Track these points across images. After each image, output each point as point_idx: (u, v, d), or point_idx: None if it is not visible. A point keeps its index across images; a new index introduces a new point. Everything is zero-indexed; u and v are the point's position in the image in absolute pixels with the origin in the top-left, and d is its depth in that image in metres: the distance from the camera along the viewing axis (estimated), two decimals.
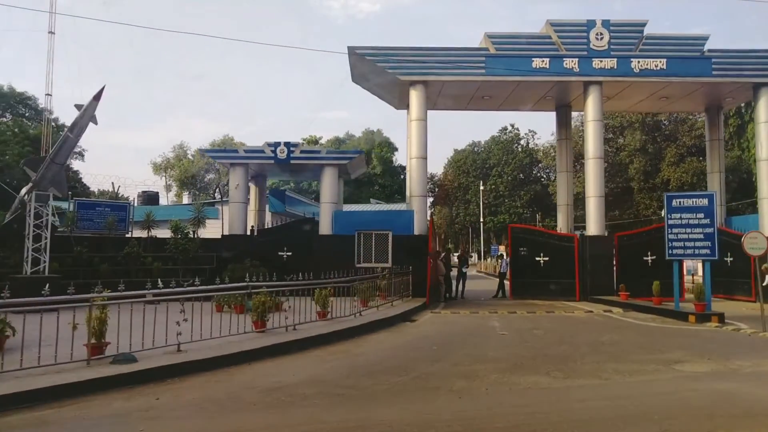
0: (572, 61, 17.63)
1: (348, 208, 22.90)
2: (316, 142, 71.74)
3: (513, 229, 19.20)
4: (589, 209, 17.93)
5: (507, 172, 65.51)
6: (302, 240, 17.19)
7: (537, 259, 18.31)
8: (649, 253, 17.70)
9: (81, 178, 55.46)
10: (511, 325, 11.80)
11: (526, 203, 65.18)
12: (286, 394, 5.87)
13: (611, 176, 58.40)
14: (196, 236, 16.90)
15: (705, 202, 12.54)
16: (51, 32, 24.88)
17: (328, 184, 17.60)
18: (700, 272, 21.52)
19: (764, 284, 16.11)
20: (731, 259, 18.41)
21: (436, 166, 76.47)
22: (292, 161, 17.49)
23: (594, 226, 17.72)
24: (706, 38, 17.79)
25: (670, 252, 12.77)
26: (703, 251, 12.46)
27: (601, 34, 17.66)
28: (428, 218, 17.17)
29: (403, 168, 77.00)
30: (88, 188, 59.80)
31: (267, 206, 21.74)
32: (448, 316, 13.54)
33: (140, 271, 15.30)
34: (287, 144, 17.40)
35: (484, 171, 67.96)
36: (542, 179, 66.51)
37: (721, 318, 11.79)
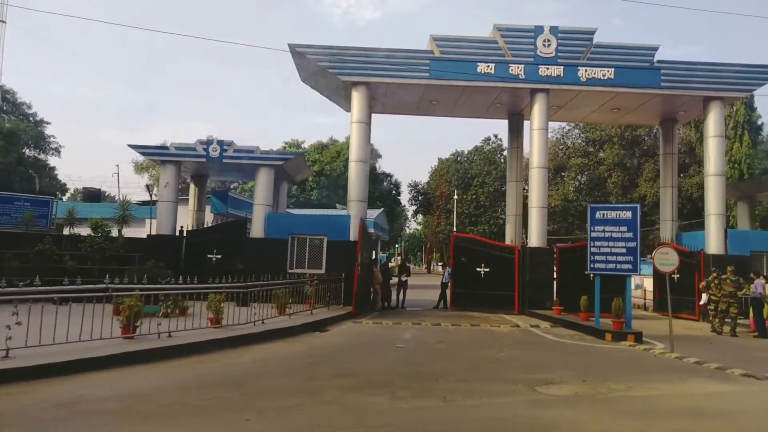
0: (518, 68, 17.18)
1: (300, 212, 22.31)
2: (298, 146, 71.18)
3: (456, 239, 18.64)
4: (532, 220, 17.41)
5: (488, 183, 65.23)
6: (233, 243, 16.55)
7: (478, 270, 17.76)
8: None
9: (56, 174, 54.58)
10: (421, 337, 11.21)
11: (501, 215, 64.85)
12: (75, 410, 5.23)
13: (590, 189, 58.27)
14: (120, 235, 16.22)
15: (629, 214, 12.03)
16: (2, 21, 24.25)
17: (263, 185, 16.99)
18: (649, 286, 21.13)
19: (701, 303, 15.68)
20: (678, 275, 17.96)
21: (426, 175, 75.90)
22: (224, 160, 16.87)
23: (536, 237, 17.20)
24: (655, 48, 17.40)
25: (591, 266, 12.24)
26: (625, 266, 11.94)
27: (549, 40, 17.24)
28: (362, 224, 16.55)
29: (387, 175, 76.72)
30: (65, 185, 58.86)
31: (210, 208, 21.09)
32: (366, 327, 12.92)
33: (54, 269, 14.57)
34: (220, 142, 16.80)
35: (466, 181, 67.69)
36: (525, 190, 66.03)
37: (638, 337, 11.26)
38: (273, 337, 10.55)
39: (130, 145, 16.94)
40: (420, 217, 78.48)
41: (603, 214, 12.24)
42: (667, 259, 10.29)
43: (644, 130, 51.70)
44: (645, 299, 21.27)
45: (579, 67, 17.20)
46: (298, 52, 17.01)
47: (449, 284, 18.35)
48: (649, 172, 50.05)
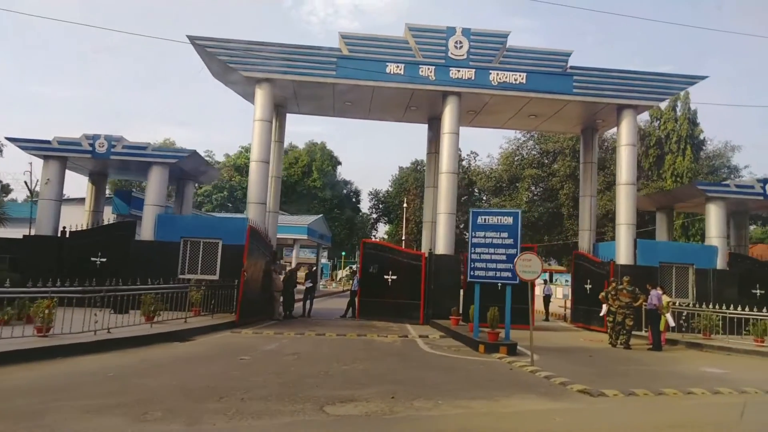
0: (428, 69, 16.66)
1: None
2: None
3: (365, 245, 17.92)
4: (439, 226, 16.86)
5: None
6: (120, 245, 15.44)
7: (386, 277, 17.06)
8: None
9: None
10: (281, 349, 10.39)
11: (460, 223, 64.71)
12: None
13: (542, 201, 58.47)
14: None
15: (510, 220, 11.48)
16: None
17: (155, 185, 15.96)
18: (561, 295, 20.82)
19: (601, 314, 15.27)
20: (590, 286, 17.63)
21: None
22: (112, 156, 15.79)
23: (443, 244, 16.61)
24: (568, 54, 17.13)
25: (471, 274, 11.63)
26: (505, 274, 11.37)
27: (461, 42, 16.78)
28: (259, 227, 15.66)
29: (347, 182, 75.80)
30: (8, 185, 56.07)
31: (111, 208, 19.89)
32: (239, 338, 11.98)
33: None
34: (108, 137, 15.72)
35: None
36: (483, 200, 66.40)
37: (511, 349, 10.67)
38: (113, 347, 9.56)
39: (8, 138, 15.73)
40: (386, 226, 77.66)
41: (484, 219, 11.66)
42: (529, 267, 9.73)
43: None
44: (566, 310, 20.93)
45: (491, 71, 16.79)
46: (199, 46, 16.13)
47: (357, 292, 17.58)
48: (599, 185, 50.58)
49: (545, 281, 27.90)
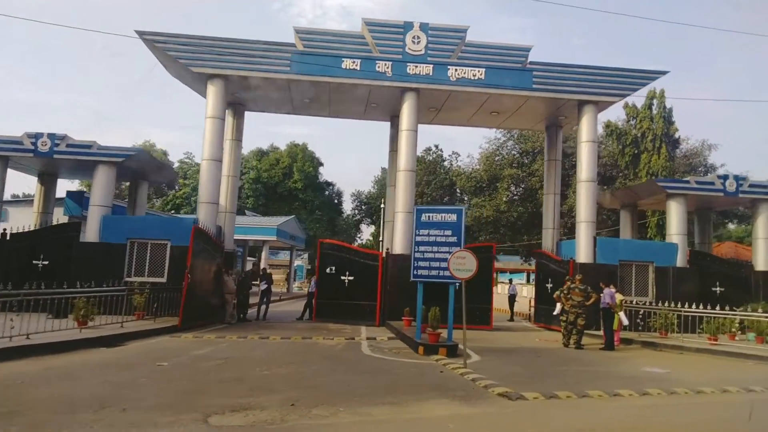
0: (385, 65, 16.31)
1: None
2: None
3: (322, 245, 17.50)
4: (397, 224, 16.50)
5: (427, 193, 64.82)
6: (63, 247, 14.90)
7: (343, 278, 16.67)
8: None
9: None
10: (211, 354, 9.95)
11: None
12: None
13: (522, 201, 58.34)
14: None
15: (454, 217, 11.15)
16: None
17: (101, 184, 15.43)
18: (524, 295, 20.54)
19: (555, 313, 15.00)
20: (551, 285, 17.37)
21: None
22: (56, 155, 15.24)
23: (400, 243, 16.25)
24: (528, 49, 16.86)
25: (414, 273, 11.27)
26: (448, 273, 10.97)
27: (418, 37, 16.45)
28: (208, 228, 15.19)
29: (329, 184, 75.41)
30: None
31: (63, 209, 19.29)
32: (174, 342, 11.49)
33: None
34: (51, 136, 15.16)
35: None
36: (464, 200, 66.37)
37: (451, 350, 10.33)
38: (29, 353, 9.05)
39: None
40: (371, 227, 77.08)
41: (428, 216, 11.31)
42: (463, 265, 9.38)
43: (572, 142, 52.41)
44: (530, 309, 20.68)
45: (449, 66, 16.47)
46: (147, 41, 15.64)
47: (314, 294, 17.16)
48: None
49: (510, 281, 27.70)
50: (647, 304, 15.64)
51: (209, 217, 15.69)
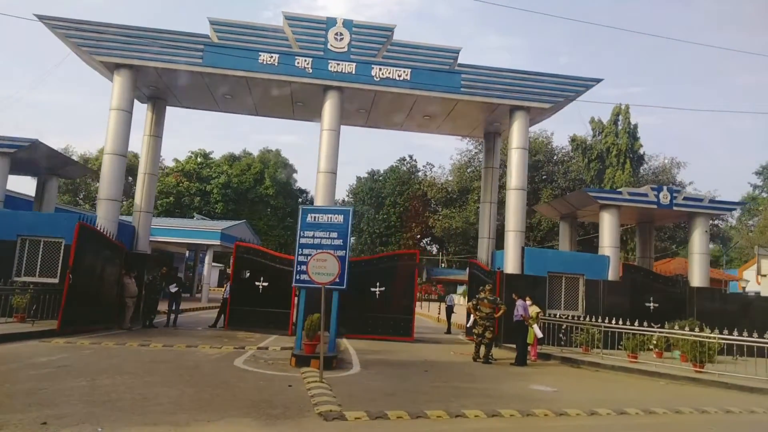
0: (305, 61, 15.52)
1: None
2: (206, 155, 67.89)
3: (237, 248, 16.51)
4: None
5: (400, 203, 64.19)
6: None
7: (257, 283, 15.69)
8: (378, 284, 15.54)
9: None
10: (59, 362, 8.91)
11: (417, 235, 64.03)
12: None
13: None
14: None
15: (340, 219, 10.31)
16: None
17: None
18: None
19: (468, 325, 14.19)
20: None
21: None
22: None
23: None
24: (456, 51, 16.21)
25: (297, 278, 10.36)
26: (332, 279, 10.10)
27: (342, 34, 15.72)
28: (99, 226, 14.15)
29: (302, 191, 74.36)
30: None
31: None
32: (34, 347, 10.38)
33: None
34: None
35: (379, 200, 66.47)
36: (438, 212, 66.02)
37: (326, 362, 9.35)
38: None
39: None
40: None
41: (314, 217, 10.45)
42: (323, 268, 8.51)
43: (543, 155, 52.19)
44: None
45: (373, 65, 15.74)
46: (49, 26, 14.70)
47: (228, 300, 16.15)
48: (546, 198, 50.35)
49: (436, 291, 26.81)
50: (576, 318, 14.86)
51: (110, 214, 14.65)
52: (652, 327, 12.50)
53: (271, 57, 15.40)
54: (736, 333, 11.22)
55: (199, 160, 67.24)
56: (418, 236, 66.35)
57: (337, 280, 9.90)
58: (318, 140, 15.89)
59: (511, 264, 15.86)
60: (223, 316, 16.27)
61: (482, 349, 12.09)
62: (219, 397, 6.79)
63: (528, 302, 13.31)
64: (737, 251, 54.89)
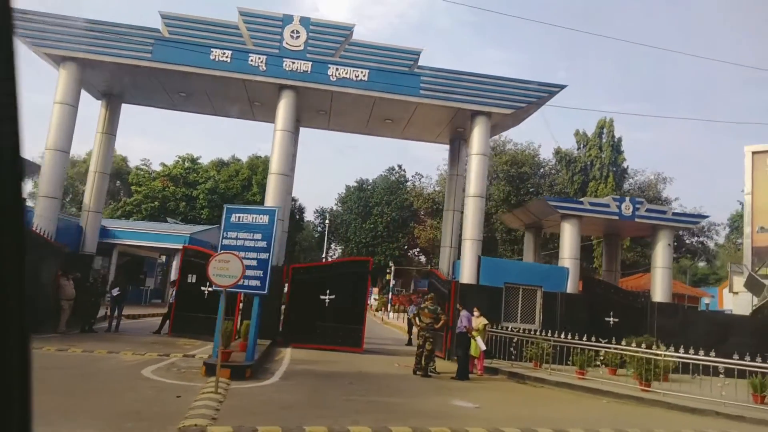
0: (259, 59, 15.06)
1: None
2: (193, 160, 67.35)
3: (186, 251, 15.95)
4: None
5: (387, 213, 63.70)
6: None
7: (203, 288, 15.09)
8: (327, 292, 14.95)
9: None
10: None
11: (404, 245, 63.49)
12: None
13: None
14: None
15: (265, 219, 9.78)
16: None
17: None
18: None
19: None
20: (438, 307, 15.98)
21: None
22: None
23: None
24: (417, 53, 15.80)
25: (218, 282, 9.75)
26: (253, 283, 9.59)
27: (298, 32, 15.29)
28: (34, 225, 13.58)
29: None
30: None
31: None
32: None
33: None
34: None
35: (367, 210, 66.03)
36: (425, 222, 65.37)
37: (238, 372, 8.84)
38: None
39: None
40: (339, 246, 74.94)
41: (239, 217, 9.91)
42: (225, 270, 7.97)
43: (529, 168, 51.88)
44: None
45: (330, 65, 15.29)
46: None
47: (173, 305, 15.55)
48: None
49: (410, 302, 26.26)
50: (533, 332, 14.29)
51: (48, 212, 14.08)
52: (606, 342, 11.96)
53: (224, 53, 14.95)
54: (692, 351, 10.69)
55: (186, 164, 66.73)
56: (405, 247, 65.86)
57: (259, 284, 9.38)
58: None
59: (467, 274, 15.32)
60: (167, 322, 15.64)
61: (423, 361, 11.52)
62: (88, 406, 6.21)
63: (476, 313, 12.78)
64: (725, 270, 54.51)
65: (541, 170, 53.54)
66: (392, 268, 48.69)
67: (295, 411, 6.91)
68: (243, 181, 65.59)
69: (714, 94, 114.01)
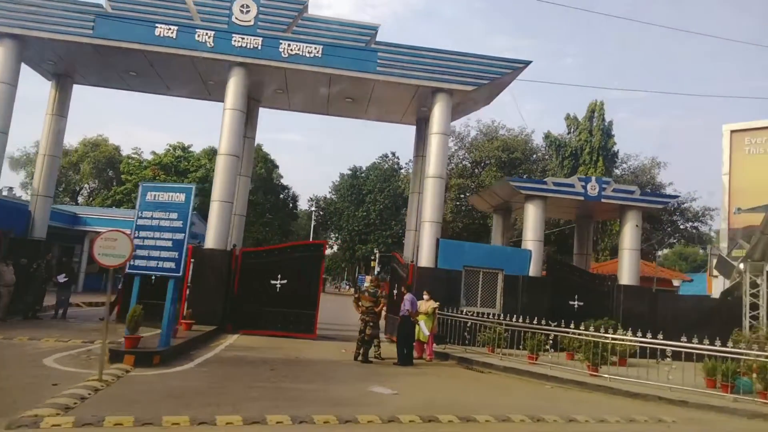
0: (206, 34, 14.43)
1: None
2: (184, 148, 66.78)
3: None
4: (212, 216, 14.55)
5: (380, 200, 63.13)
6: None
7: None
8: (279, 276, 14.43)
9: None
10: None
11: (397, 233, 62.98)
12: None
13: (468, 212, 56.86)
14: None
15: (182, 197, 9.22)
16: None
17: None
18: None
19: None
20: (396, 291, 15.50)
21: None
22: None
23: (213, 236, 14.30)
24: (374, 28, 15.13)
25: (132, 263, 9.24)
26: (168, 265, 9.09)
27: (248, 6, 14.64)
28: None
29: (284, 187, 73.36)
30: None
31: None
32: None
33: None
34: None
35: (360, 197, 65.49)
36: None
37: (144, 358, 8.36)
38: None
39: None
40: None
41: (155, 195, 9.35)
42: (112, 248, 7.41)
43: (521, 153, 51.05)
44: None
45: (281, 41, 14.65)
46: None
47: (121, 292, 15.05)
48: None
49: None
50: (493, 316, 13.72)
51: None
52: (542, 326, 11.41)
53: (169, 29, 14.31)
54: (649, 335, 10.14)
55: (177, 153, 66.17)
56: (400, 234, 65.37)
57: (174, 266, 8.87)
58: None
59: (425, 257, 14.78)
60: (116, 308, 15.17)
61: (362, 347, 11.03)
62: None
63: (425, 297, 12.27)
64: None
65: (534, 156, 52.77)
66: (377, 255, 48.26)
67: (181, 399, 6.42)
68: None
69: (722, 76, 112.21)
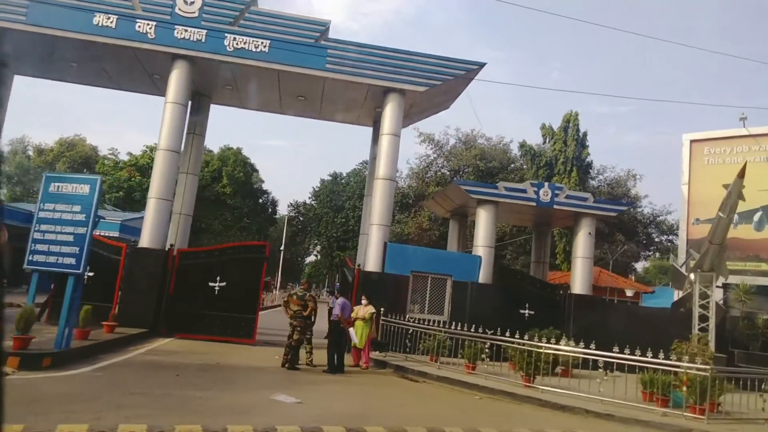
0: (148, 25, 13.88)
1: None
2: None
3: None
4: (148, 214, 13.93)
5: (359, 206, 62.55)
6: None
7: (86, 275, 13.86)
8: (218, 279, 13.82)
9: None
10: None
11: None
12: None
13: (445, 220, 56.55)
14: None
15: (86, 189, 8.64)
16: None
17: None
18: None
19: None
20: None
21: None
22: None
23: (149, 235, 13.70)
24: (324, 24, 14.70)
25: (30, 258, 8.63)
26: (68, 261, 8.48)
27: None
28: None
29: (263, 192, 72.46)
30: None
31: None
32: None
33: None
34: None
35: (340, 203, 64.91)
36: (394, 216, 64.25)
37: (30, 360, 7.71)
38: None
39: None
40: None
41: (58, 186, 8.75)
42: None
43: (498, 163, 50.92)
44: None
45: (227, 34, 14.14)
46: None
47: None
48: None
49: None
50: (440, 323, 13.22)
51: None
52: (480, 334, 10.96)
53: (108, 18, 13.75)
54: (592, 346, 9.69)
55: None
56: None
57: (74, 262, 8.26)
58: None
59: (372, 261, 14.29)
60: (49, 309, 14.43)
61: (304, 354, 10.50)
62: None
63: (363, 302, 11.78)
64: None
65: (512, 165, 52.67)
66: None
67: (42, 405, 5.81)
68: (213, 173, 64.11)
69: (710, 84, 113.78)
